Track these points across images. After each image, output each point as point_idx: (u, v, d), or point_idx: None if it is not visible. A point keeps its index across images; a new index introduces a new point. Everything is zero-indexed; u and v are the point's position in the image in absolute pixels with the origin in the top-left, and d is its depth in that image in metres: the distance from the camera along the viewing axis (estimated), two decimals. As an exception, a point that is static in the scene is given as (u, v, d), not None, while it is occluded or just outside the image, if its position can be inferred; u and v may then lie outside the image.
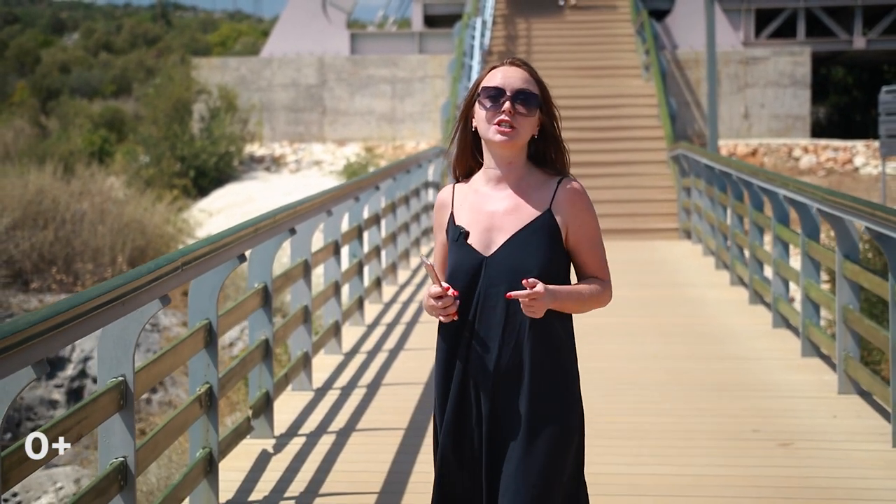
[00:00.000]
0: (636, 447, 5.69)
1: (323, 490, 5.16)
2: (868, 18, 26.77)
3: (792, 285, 9.08)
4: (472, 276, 2.95)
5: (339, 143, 24.13)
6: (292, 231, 6.02)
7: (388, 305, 9.75)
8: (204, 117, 22.68)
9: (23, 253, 13.61)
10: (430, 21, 27.23)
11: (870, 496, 5.02)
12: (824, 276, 10.93)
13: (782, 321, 8.63)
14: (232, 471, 5.33)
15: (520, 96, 2.97)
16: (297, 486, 5.22)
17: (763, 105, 24.26)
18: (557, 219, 2.99)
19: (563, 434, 2.93)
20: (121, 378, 3.87)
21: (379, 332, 8.70)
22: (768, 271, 9.51)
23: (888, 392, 5.79)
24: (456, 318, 2.94)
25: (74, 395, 11.28)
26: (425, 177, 13.23)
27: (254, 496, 5.09)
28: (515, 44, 22.46)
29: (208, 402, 4.91)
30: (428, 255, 2.31)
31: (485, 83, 3.03)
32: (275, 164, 23.28)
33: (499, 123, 2.96)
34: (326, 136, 24.40)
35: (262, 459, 5.60)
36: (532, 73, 3.04)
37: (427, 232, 13.25)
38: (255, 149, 23.62)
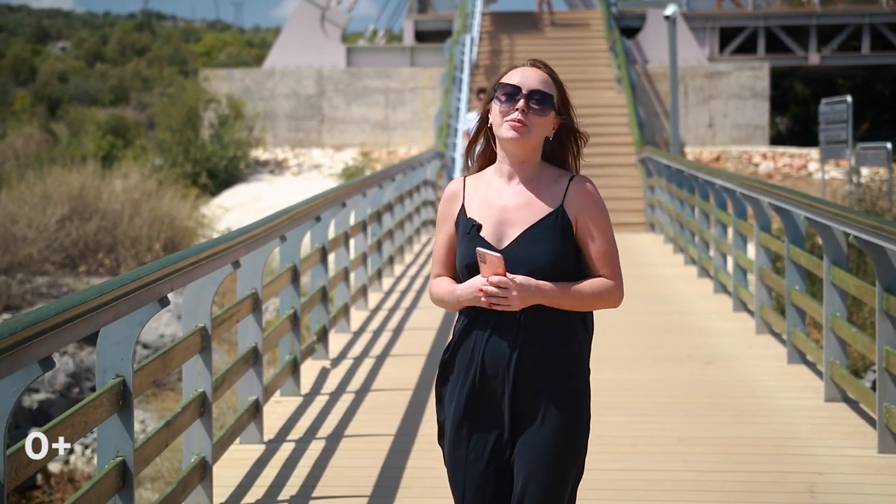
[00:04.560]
0: (596, 364, 7.68)
1: (373, 387, 7.19)
2: (822, 36, 29.00)
3: (730, 259, 11.13)
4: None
5: (337, 148, 26.15)
6: (343, 204, 8.08)
7: (398, 280, 11.78)
8: (213, 124, 24.66)
9: (72, 241, 15.60)
10: (421, 36, 29.30)
11: (764, 389, 7.07)
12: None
13: (721, 287, 10.69)
14: (304, 377, 7.32)
15: (535, 96, 2.97)
16: (354, 385, 7.24)
17: (726, 115, 26.42)
18: (569, 215, 2.98)
19: (570, 430, 2.96)
20: (201, 325, 5.87)
21: (394, 298, 10.75)
22: (714, 250, 11.56)
23: (785, 326, 7.82)
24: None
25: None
26: (424, 175, 15.26)
27: (325, 389, 7.10)
28: (500, 58, 24.56)
29: (294, 322, 6.91)
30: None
31: (503, 80, 3.02)
32: (278, 167, 25.28)
33: (511, 120, 2.97)
34: (325, 142, 26.43)
35: (324, 372, 7.61)
36: (552, 75, 3.04)
37: (427, 223, 15.29)
38: (259, 153, 25.61)
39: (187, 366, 4.93)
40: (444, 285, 3.06)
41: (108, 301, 3.42)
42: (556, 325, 2.98)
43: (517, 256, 2.94)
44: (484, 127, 3.09)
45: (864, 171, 19.28)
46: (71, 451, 11.16)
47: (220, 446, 5.26)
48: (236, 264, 5.06)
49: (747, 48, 28.93)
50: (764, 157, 25.50)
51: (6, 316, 13.59)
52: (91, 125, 31.18)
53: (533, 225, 2.97)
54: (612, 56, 23.77)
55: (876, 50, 28.98)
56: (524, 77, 3.01)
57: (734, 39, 28.64)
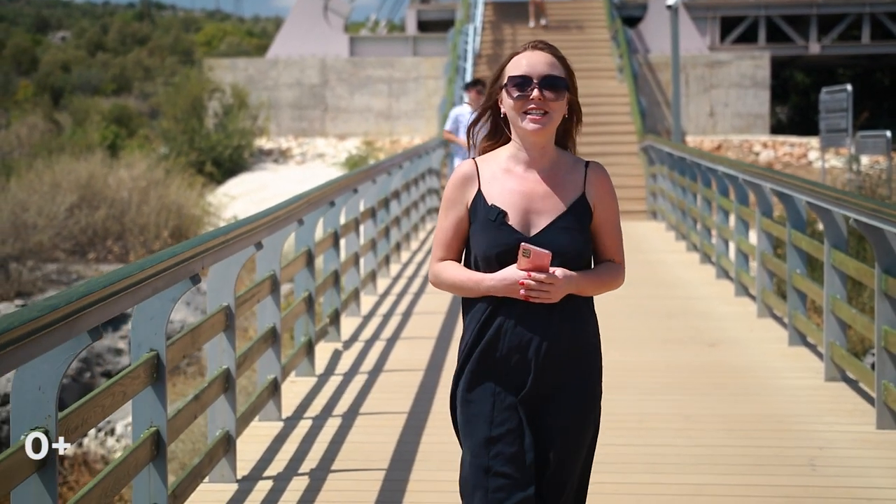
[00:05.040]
0: (604, 346, 7.86)
1: (385, 368, 7.39)
2: (822, 26, 29.16)
3: (732, 245, 11.33)
4: (513, 256, 2.94)
5: (340, 137, 26.32)
6: (355, 190, 8.26)
7: (404, 267, 11.97)
8: (217, 113, 24.83)
9: (81, 229, 15.81)
10: (423, 26, 29.45)
11: (766, 370, 7.26)
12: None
13: (723, 273, 10.89)
14: (318, 358, 7.51)
15: (547, 82, 2.97)
16: (366, 366, 7.44)
17: (727, 104, 26.59)
18: (589, 202, 3.02)
19: (595, 410, 3.08)
20: (225, 304, 6.06)
21: (402, 283, 10.95)
22: (716, 237, 11.76)
23: (786, 310, 8.02)
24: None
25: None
26: (429, 163, 15.44)
27: (338, 370, 7.30)
28: (503, 47, 24.70)
29: (308, 304, 7.10)
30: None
31: (510, 72, 2.99)
32: (282, 156, 25.46)
33: (528, 111, 2.97)
34: (328, 132, 26.60)
35: (337, 354, 7.80)
36: (556, 54, 3.02)
37: (431, 211, 15.48)
38: (263, 142, 25.79)
39: (211, 344, 5.12)
40: (462, 272, 3.02)
41: (148, 276, 3.62)
42: (580, 311, 3.02)
43: (549, 245, 2.95)
44: (488, 111, 3.08)
45: (864, 159, 19.45)
46: (84, 435, 11.37)
47: (243, 422, 5.46)
48: (259, 245, 5.26)
49: (748, 37, 29.08)
50: (764, 145, 25.67)
51: (18, 302, 13.80)
52: (95, 115, 31.35)
53: (562, 214, 2.99)
54: (614, 45, 23.93)
55: (876, 39, 29.12)
56: (531, 64, 2.98)
57: (735, 29, 28.79)
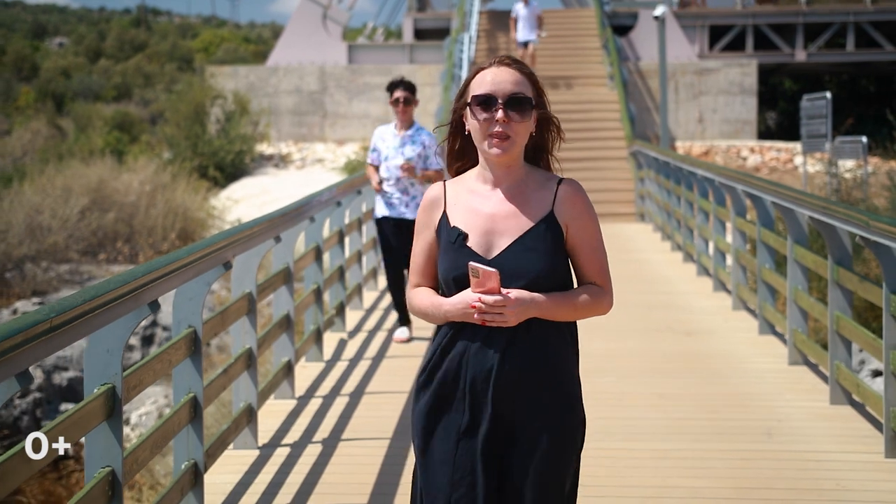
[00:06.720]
0: (587, 333, 8.56)
1: (388, 354, 8.05)
2: (808, 34, 29.91)
3: (711, 243, 12.00)
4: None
5: (339, 142, 27.01)
6: (359, 192, 8.93)
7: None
8: (220, 120, 25.53)
9: (92, 231, 16.51)
10: (420, 34, 30.16)
11: (735, 355, 7.94)
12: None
13: (704, 270, 11.56)
14: (325, 346, 8.17)
15: (513, 102, 2.84)
16: (370, 352, 8.10)
17: (715, 111, 27.31)
18: (560, 222, 2.88)
19: (563, 438, 2.86)
20: (248, 290, 6.73)
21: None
22: (697, 236, 12.43)
23: (756, 300, 8.70)
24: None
25: (147, 340, 14.05)
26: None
27: (345, 356, 7.96)
28: (497, 56, 25.37)
29: (317, 296, 7.77)
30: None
31: (475, 90, 2.88)
32: (282, 161, 26.15)
33: (493, 135, 2.84)
34: (327, 137, 27.30)
35: (342, 342, 8.47)
36: (522, 69, 2.90)
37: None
38: (264, 148, 26.48)
39: (235, 326, 5.78)
40: (427, 297, 2.93)
41: (193, 260, 4.28)
42: (547, 337, 2.87)
43: (508, 267, 2.82)
44: (457, 132, 2.96)
45: (850, 163, 20.10)
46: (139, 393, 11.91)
47: (261, 398, 6.11)
48: (278, 239, 5.92)
49: (736, 45, 29.81)
50: (752, 151, 26.37)
51: (35, 300, 14.44)
52: (98, 121, 32.00)
53: (524, 234, 2.86)
54: (605, 53, 24.64)
55: (861, 47, 29.88)
56: (496, 82, 2.86)
57: (723, 37, 29.52)
